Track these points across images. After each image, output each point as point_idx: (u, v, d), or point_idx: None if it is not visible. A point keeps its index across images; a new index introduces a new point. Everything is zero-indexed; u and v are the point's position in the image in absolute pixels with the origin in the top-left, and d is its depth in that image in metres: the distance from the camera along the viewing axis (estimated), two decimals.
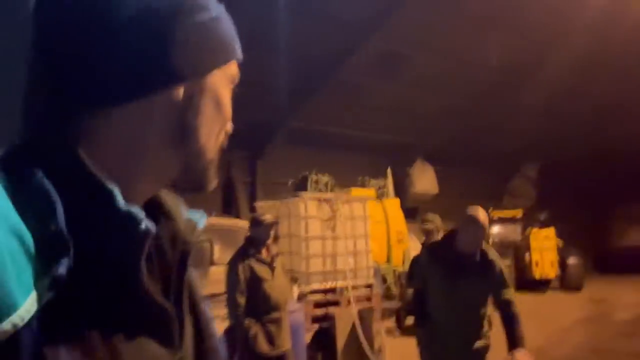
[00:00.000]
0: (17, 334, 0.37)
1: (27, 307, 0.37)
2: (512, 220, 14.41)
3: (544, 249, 13.03)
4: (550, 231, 13.40)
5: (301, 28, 8.93)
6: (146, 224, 0.46)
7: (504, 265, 3.06)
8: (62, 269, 0.40)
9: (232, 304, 3.37)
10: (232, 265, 3.44)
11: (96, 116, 0.49)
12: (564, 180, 17.92)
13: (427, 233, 4.41)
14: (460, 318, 2.94)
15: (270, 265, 3.54)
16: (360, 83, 11.32)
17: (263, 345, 3.37)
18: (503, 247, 13.87)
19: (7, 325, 0.36)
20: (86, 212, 0.44)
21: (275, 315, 3.47)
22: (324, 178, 9.48)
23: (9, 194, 0.40)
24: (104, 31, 0.47)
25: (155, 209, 0.56)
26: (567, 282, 12.82)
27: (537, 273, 12.75)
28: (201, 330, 0.59)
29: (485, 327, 3.03)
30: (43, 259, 0.39)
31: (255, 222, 3.60)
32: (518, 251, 13.43)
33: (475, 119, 13.69)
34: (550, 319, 8.84)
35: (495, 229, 14.57)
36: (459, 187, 15.61)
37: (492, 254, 2.99)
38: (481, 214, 2.92)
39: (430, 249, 4.30)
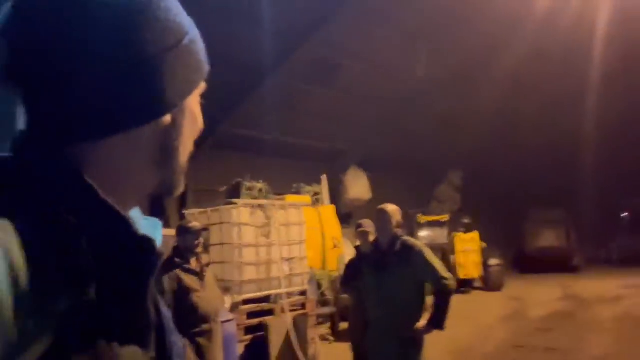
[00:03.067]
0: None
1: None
2: (439, 224, 15.04)
3: (469, 251, 13.71)
4: (475, 234, 14.14)
5: (235, 33, 8.79)
6: (159, 247, 0.51)
7: (426, 248, 3.11)
8: (92, 294, 0.45)
9: None
10: (158, 277, 3.21)
11: (88, 146, 0.50)
12: (485, 187, 19.08)
13: (361, 236, 4.38)
14: (390, 311, 2.93)
15: (200, 275, 3.36)
16: (294, 89, 11.32)
17: None
18: (431, 249, 14.39)
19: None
20: (103, 239, 0.47)
21: (205, 327, 3.28)
22: (259, 185, 9.29)
23: (27, 229, 0.42)
24: (95, 69, 0.48)
25: None
26: (489, 282, 13.55)
27: (462, 274, 13.37)
28: (163, 327, 0.61)
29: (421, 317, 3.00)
30: (71, 286, 0.43)
31: (182, 230, 3.40)
32: (445, 254, 14.03)
33: (404, 128, 14.17)
34: (475, 317, 9.29)
35: (424, 233, 15.12)
36: (391, 193, 15.93)
37: (413, 242, 3.07)
38: (388, 205, 3.14)
39: (360, 252, 4.35)
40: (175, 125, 0.56)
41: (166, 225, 10.36)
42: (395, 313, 2.93)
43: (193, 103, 0.59)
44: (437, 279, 2.93)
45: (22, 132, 0.50)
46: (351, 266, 4.28)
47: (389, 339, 2.92)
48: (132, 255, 0.49)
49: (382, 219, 3.06)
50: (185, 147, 0.60)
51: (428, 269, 2.94)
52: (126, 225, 0.49)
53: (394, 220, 3.05)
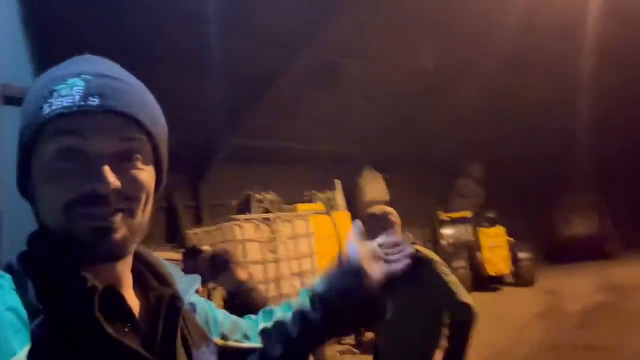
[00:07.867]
0: None
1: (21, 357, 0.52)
2: (462, 220, 14.58)
3: (495, 246, 13.19)
4: (500, 229, 13.61)
5: (233, 46, 8.66)
6: (92, 282, 0.59)
7: (442, 264, 2.47)
8: (33, 327, 0.55)
9: None
10: None
11: None
12: (508, 178, 18.43)
13: None
14: (399, 345, 2.41)
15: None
16: (298, 96, 11.10)
17: None
18: (457, 248, 14.01)
19: None
20: (54, 283, 0.60)
21: None
22: (268, 196, 9.07)
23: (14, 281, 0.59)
24: None
25: (149, 277, 0.73)
26: (520, 277, 12.99)
27: (491, 271, 12.85)
28: None
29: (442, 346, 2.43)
30: (29, 322, 0.55)
31: (188, 255, 3.13)
32: (472, 251, 13.55)
33: (417, 124, 13.79)
34: (507, 316, 8.82)
35: (448, 231, 14.68)
36: (409, 193, 15.67)
37: (426, 253, 2.44)
38: (383, 207, 2.55)
39: None
40: None
41: (182, 244, 10.24)
42: (404, 347, 2.39)
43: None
44: (454, 304, 2.31)
45: None
46: None
47: None
48: (74, 290, 0.59)
49: (379, 224, 2.37)
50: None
51: (444, 291, 2.32)
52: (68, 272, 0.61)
53: (397, 225, 2.41)
